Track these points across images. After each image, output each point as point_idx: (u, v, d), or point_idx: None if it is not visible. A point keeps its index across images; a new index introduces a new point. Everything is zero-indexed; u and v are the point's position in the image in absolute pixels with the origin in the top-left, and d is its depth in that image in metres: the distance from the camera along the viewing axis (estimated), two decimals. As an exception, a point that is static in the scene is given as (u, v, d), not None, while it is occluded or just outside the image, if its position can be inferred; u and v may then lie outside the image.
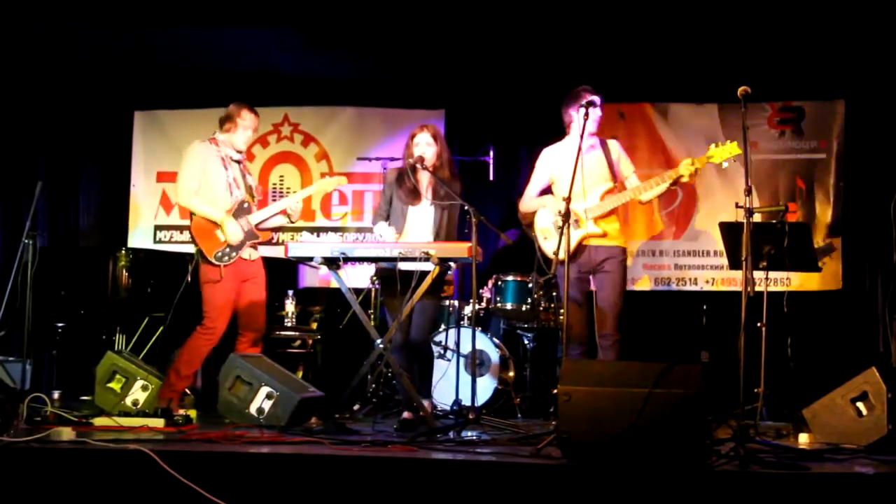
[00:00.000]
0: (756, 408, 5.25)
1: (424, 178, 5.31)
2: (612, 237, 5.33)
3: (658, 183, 5.26)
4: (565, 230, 4.57)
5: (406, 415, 5.21)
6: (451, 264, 5.18)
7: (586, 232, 5.28)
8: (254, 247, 5.53)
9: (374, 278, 6.29)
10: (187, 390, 5.62)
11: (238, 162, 5.60)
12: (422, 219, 5.29)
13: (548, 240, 5.45)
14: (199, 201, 5.44)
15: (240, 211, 5.48)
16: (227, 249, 5.40)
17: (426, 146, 5.25)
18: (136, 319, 6.64)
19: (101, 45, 7.29)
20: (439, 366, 6.10)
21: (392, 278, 5.12)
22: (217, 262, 5.38)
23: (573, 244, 5.13)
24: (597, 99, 5.21)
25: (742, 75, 5.12)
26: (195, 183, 5.44)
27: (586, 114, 4.99)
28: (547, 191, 5.56)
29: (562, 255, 4.93)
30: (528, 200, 5.56)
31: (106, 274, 6.63)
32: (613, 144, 5.48)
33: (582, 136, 4.80)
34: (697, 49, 7.03)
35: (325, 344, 7.27)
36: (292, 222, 5.79)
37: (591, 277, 5.38)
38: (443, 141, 5.33)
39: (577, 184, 5.08)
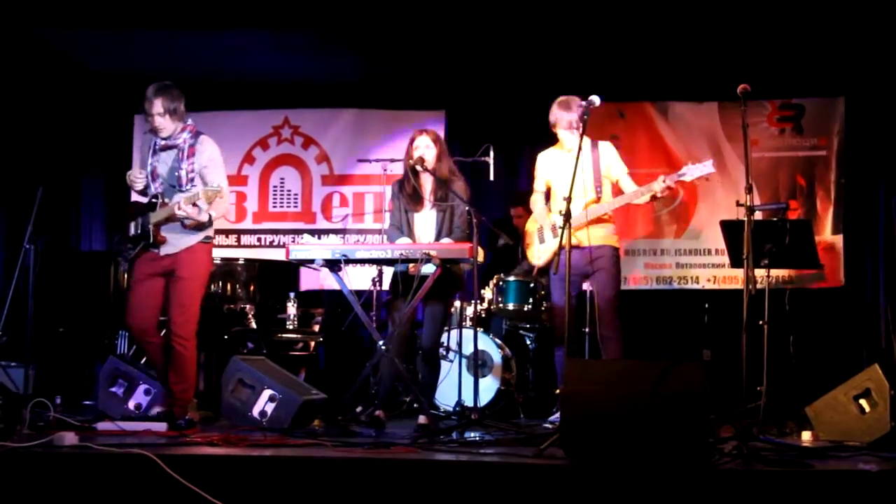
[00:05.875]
0: (759, 406, 5.25)
1: (426, 182, 5.30)
2: (603, 239, 5.29)
3: (632, 198, 5.30)
4: (565, 232, 4.56)
5: (422, 419, 5.12)
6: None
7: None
8: (160, 241, 4.99)
9: (376, 279, 6.29)
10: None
11: (172, 147, 5.03)
12: (426, 224, 5.28)
13: (530, 247, 5.57)
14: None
15: (150, 207, 5.05)
16: (129, 245, 5.10)
17: (426, 148, 5.24)
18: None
19: (101, 50, 7.29)
20: (441, 367, 6.09)
21: (399, 282, 5.12)
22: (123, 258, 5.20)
23: (549, 254, 5.25)
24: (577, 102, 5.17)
25: (742, 73, 5.12)
26: (141, 175, 5.13)
27: (587, 114, 4.87)
28: (548, 192, 5.56)
29: (545, 260, 5.43)
30: (535, 202, 5.58)
31: (108, 278, 6.64)
32: (605, 147, 5.43)
33: (581, 137, 4.75)
34: (697, 48, 7.02)
35: (327, 346, 7.27)
36: (184, 226, 5.00)
37: (583, 279, 5.39)
38: (443, 144, 5.34)
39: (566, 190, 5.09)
